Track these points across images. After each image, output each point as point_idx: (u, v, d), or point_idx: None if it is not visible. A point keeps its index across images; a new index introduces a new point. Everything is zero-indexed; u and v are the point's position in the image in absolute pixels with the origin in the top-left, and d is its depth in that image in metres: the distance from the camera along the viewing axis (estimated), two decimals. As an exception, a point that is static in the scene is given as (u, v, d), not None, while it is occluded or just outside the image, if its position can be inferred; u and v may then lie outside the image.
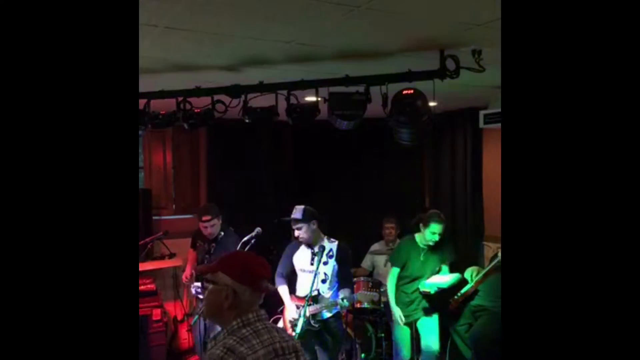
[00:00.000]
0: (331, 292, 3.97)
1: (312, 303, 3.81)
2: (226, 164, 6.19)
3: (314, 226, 3.97)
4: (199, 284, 4.37)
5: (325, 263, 3.92)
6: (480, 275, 4.49)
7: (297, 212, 3.97)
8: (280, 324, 4.17)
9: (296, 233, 3.97)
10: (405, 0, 2.46)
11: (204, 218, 4.51)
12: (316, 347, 3.99)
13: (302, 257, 4.08)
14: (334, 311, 3.97)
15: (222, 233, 4.61)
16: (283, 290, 4.10)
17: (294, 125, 3.74)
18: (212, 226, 4.52)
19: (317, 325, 3.88)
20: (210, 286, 1.91)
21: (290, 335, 2.02)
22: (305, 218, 3.94)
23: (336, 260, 3.95)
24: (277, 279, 4.15)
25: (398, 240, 5.59)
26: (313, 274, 3.85)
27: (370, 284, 5.03)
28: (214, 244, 4.59)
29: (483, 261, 5.48)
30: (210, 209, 4.62)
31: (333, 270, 3.97)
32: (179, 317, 5.66)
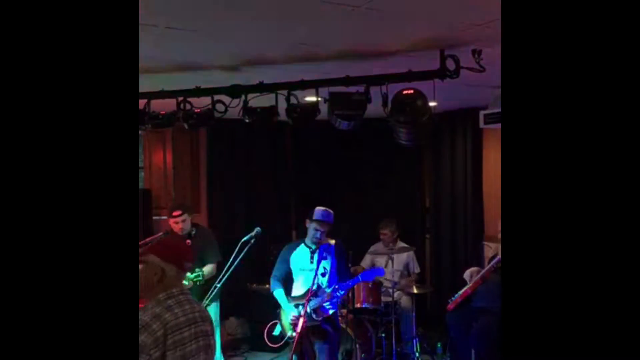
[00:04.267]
0: (330, 287, 4.02)
1: (312, 298, 3.86)
2: (226, 164, 6.19)
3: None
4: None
5: (325, 258, 4.00)
6: (478, 276, 4.49)
7: (330, 215, 4.07)
8: (278, 329, 4.19)
9: (319, 235, 4.00)
10: (405, 0, 2.46)
11: (175, 213, 4.60)
12: (316, 347, 3.99)
13: (301, 257, 4.11)
14: (334, 302, 4.00)
15: (194, 230, 4.71)
16: (279, 293, 4.12)
17: (294, 125, 3.74)
18: (183, 221, 4.60)
19: (319, 319, 3.92)
20: (141, 266, 2.21)
21: (204, 309, 2.35)
22: (330, 222, 4.07)
23: (335, 255, 4.03)
24: (273, 282, 4.18)
25: (398, 242, 5.58)
26: (313, 271, 3.89)
27: (370, 284, 5.02)
28: (188, 241, 4.65)
29: (483, 261, 5.48)
30: (178, 205, 4.76)
31: (332, 265, 4.04)
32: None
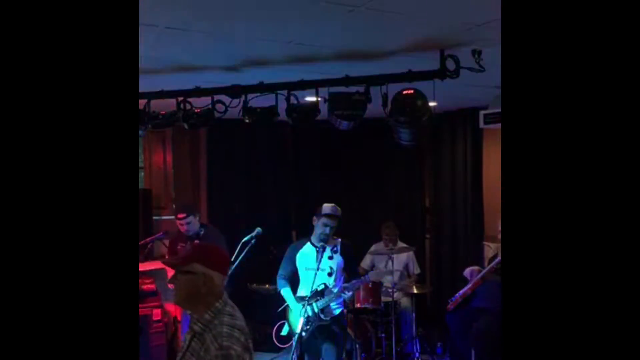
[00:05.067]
0: (337, 287, 4.03)
1: (319, 298, 3.86)
2: (226, 164, 6.19)
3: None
4: None
5: (331, 258, 4.00)
6: (478, 277, 4.49)
7: (338, 210, 4.02)
8: (286, 329, 4.19)
9: (328, 230, 3.99)
10: (405, 0, 2.46)
11: (179, 216, 4.61)
12: (323, 347, 3.98)
13: (307, 255, 4.11)
14: (340, 301, 4.01)
15: (203, 230, 4.70)
16: (287, 292, 4.12)
17: (294, 125, 3.74)
18: (188, 224, 4.61)
19: (327, 319, 3.92)
20: (183, 276, 2.05)
21: None
22: (339, 216, 4.03)
23: (341, 254, 4.03)
24: (279, 282, 4.16)
25: (398, 242, 5.59)
26: (318, 270, 3.89)
27: (370, 284, 5.02)
28: (196, 241, 4.63)
29: (483, 261, 5.48)
30: (184, 207, 4.77)
31: (338, 265, 4.04)
32: (179, 317, 5.66)
